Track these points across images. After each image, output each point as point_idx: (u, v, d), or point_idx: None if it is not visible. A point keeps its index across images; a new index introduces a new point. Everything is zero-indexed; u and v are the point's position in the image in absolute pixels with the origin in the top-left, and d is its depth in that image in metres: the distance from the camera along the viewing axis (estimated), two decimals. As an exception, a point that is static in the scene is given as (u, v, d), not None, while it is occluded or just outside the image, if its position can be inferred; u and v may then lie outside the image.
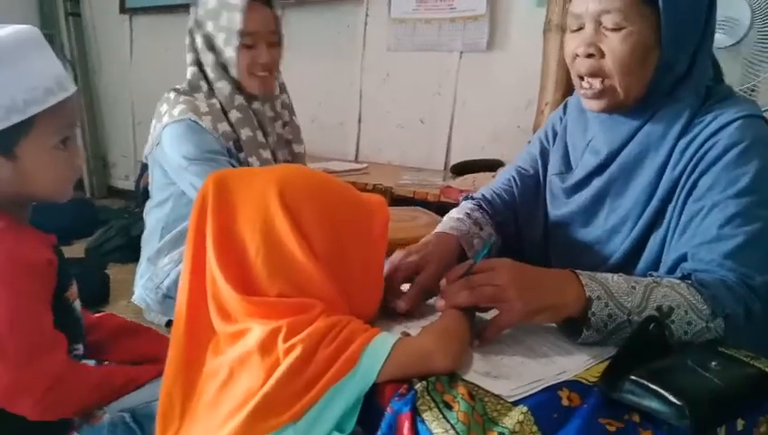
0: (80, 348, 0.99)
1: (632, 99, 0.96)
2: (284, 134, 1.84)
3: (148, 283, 1.79)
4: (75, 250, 2.79)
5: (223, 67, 1.64)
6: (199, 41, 1.64)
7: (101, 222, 3.06)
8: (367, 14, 2.88)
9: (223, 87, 1.64)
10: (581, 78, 0.97)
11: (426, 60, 2.72)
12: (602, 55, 0.93)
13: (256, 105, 1.71)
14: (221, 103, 1.65)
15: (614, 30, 0.91)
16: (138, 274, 1.87)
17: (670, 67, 0.94)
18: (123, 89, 3.99)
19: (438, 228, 1.10)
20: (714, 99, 0.95)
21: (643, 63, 0.93)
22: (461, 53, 2.62)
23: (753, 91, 1.66)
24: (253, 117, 1.68)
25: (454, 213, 1.16)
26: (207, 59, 1.64)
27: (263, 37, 1.62)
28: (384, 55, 2.84)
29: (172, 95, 1.66)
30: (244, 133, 1.65)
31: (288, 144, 1.86)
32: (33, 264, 0.89)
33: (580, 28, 0.95)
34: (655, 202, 0.95)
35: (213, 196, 0.79)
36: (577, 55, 0.96)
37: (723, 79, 1.02)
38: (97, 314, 1.14)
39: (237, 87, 1.66)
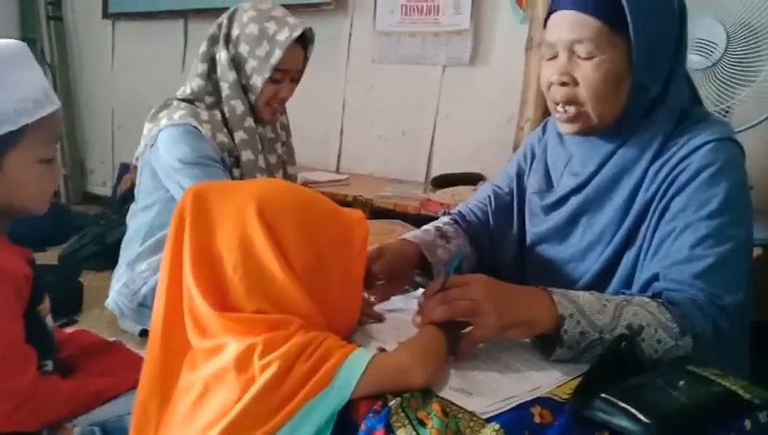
0: (49, 364, 0.98)
1: (606, 123, 0.98)
2: (282, 155, 1.87)
3: (124, 288, 1.77)
4: (49, 257, 2.74)
5: (243, 89, 1.66)
6: (224, 56, 1.65)
7: (77, 228, 3.00)
8: (352, 26, 2.89)
9: (236, 106, 1.66)
10: (556, 104, 0.99)
11: (409, 73, 2.73)
12: (576, 83, 0.95)
13: (260, 129, 1.75)
14: (224, 117, 1.67)
15: (587, 58, 0.93)
16: (114, 277, 1.85)
17: (644, 91, 0.96)
18: (104, 94, 3.96)
19: (403, 237, 1.12)
20: (688, 121, 0.97)
21: (616, 89, 0.95)
22: (444, 66, 2.64)
23: (727, 111, 1.69)
24: (258, 140, 1.71)
25: (426, 226, 1.17)
26: (228, 76, 1.65)
27: (290, 74, 1.68)
28: (368, 67, 2.85)
29: (174, 102, 1.68)
30: (245, 155, 1.67)
31: (283, 165, 1.88)
32: (9, 276, 0.89)
33: (555, 57, 0.97)
34: (628, 222, 0.97)
35: (191, 210, 0.79)
36: (552, 83, 0.98)
37: (700, 100, 1.04)
38: (68, 330, 1.14)
39: (250, 109, 1.68)
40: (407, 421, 0.67)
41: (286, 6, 1.77)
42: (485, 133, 2.53)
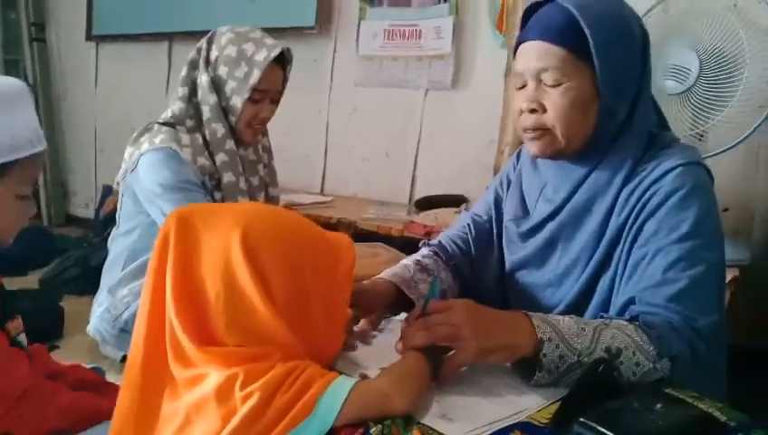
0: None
1: (574, 147, 1.00)
2: (264, 177, 1.87)
3: (105, 314, 1.76)
4: (30, 281, 2.71)
5: (223, 111, 1.67)
6: (204, 79, 1.67)
7: (59, 251, 2.98)
8: (335, 50, 2.93)
9: (217, 129, 1.67)
10: (526, 130, 1.02)
11: (392, 96, 2.77)
12: (545, 110, 0.98)
13: (241, 151, 1.75)
14: (205, 140, 1.68)
15: (553, 86, 0.96)
16: (95, 302, 1.83)
17: (611, 115, 0.98)
18: (87, 116, 3.95)
19: (379, 275, 1.11)
20: (657, 146, 1.00)
21: (584, 114, 0.97)
22: (426, 90, 2.68)
23: (702, 136, 1.73)
24: (239, 162, 1.72)
25: (405, 260, 1.17)
26: (209, 99, 1.67)
27: (270, 95, 1.70)
28: (351, 90, 2.88)
29: (155, 126, 1.69)
30: (227, 177, 1.68)
31: (266, 187, 1.89)
32: None
33: (524, 86, 1.00)
34: (603, 247, 0.99)
35: (175, 235, 0.78)
36: (522, 111, 1.00)
37: (667, 125, 1.07)
38: (66, 364, 1.15)
39: (230, 131, 1.69)
40: (387, 449, 0.67)
41: (271, 30, 1.79)
42: (468, 156, 2.56)
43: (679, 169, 0.95)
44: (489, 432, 0.73)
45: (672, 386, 0.85)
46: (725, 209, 2.02)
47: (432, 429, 0.72)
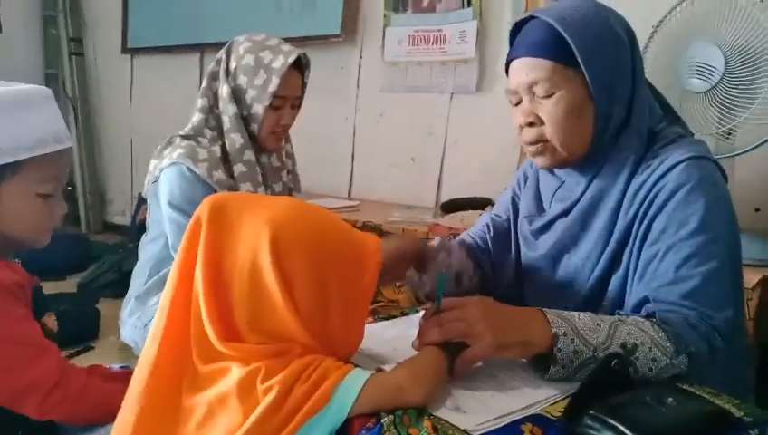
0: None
1: (578, 153, 1.02)
2: (287, 182, 1.91)
3: (137, 322, 1.81)
4: (68, 285, 2.80)
5: (244, 120, 1.70)
6: (225, 90, 1.70)
7: (95, 258, 3.08)
8: (361, 57, 2.96)
9: (236, 139, 1.69)
10: (528, 144, 1.04)
11: (418, 101, 2.79)
12: (542, 122, 1.00)
13: (263, 159, 1.78)
14: (224, 151, 1.70)
15: (546, 97, 0.98)
16: (126, 311, 1.88)
17: (608, 117, 1.00)
18: (123, 127, 4.07)
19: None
20: (660, 143, 1.00)
21: (580, 120, 0.99)
22: (452, 94, 2.69)
23: (729, 134, 1.70)
24: (258, 172, 1.73)
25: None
26: (229, 109, 1.69)
27: (289, 101, 1.72)
28: (377, 96, 2.91)
29: (177, 139, 1.72)
30: (244, 187, 1.70)
31: (289, 192, 1.92)
32: (3, 284, 0.94)
33: (519, 102, 1.03)
34: (612, 246, 0.99)
35: (207, 222, 0.79)
36: (521, 126, 1.03)
37: (677, 121, 1.07)
38: (116, 369, 1.17)
39: (249, 141, 1.71)
40: (398, 438, 0.69)
41: (297, 39, 1.83)
42: (493, 159, 2.57)
43: (684, 163, 0.95)
44: (501, 424, 0.74)
45: (689, 382, 0.84)
46: (757, 209, 1.98)
47: (444, 420, 0.74)
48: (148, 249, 1.85)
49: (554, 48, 0.96)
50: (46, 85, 1.05)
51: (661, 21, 1.77)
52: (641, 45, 1.79)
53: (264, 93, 1.66)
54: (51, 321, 1.05)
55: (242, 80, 1.69)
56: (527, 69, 0.99)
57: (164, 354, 0.80)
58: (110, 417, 0.98)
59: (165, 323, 0.80)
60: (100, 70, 4.14)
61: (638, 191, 0.98)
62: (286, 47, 1.70)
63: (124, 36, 3.86)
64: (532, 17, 1.01)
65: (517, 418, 0.75)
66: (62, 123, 1.01)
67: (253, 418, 0.72)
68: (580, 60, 0.95)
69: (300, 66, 1.74)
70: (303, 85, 1.78)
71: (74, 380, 0.96)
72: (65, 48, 4.05)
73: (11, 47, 3.75)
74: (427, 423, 0.71)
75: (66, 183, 1.04)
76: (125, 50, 3.88)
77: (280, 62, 1.65)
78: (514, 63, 1.02)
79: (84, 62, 4.13)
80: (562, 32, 0.95)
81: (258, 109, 1.67)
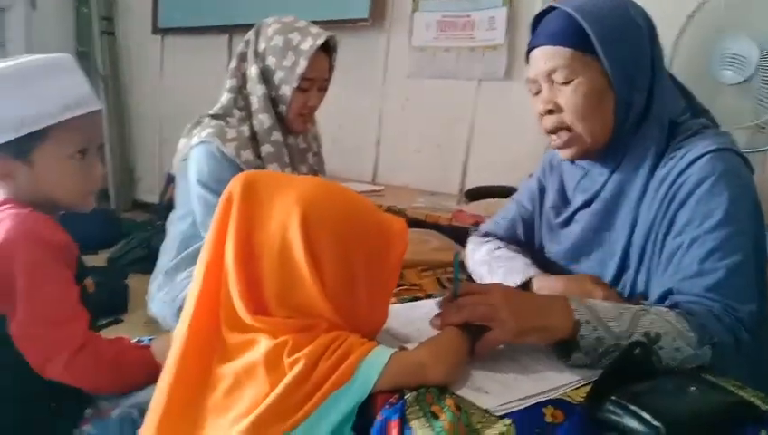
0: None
1: (600, 141, 1.02)
2: (313, 165, 1.93)
3: (166, 296, 1.85)
4: (98, 259, 2.87)
5: (272, 101, 1.72)
6: (253, 71, 1.71)
7: (124, 234, 3.15)
8: (388, 42, 2.96)
9: (264, 120, 1.71)
10: (549, 133, 1.04)
11: (444, 87, 2.78)
12: (561, 109, 1.01)
13: (291, 140, 1.80)
14: (252, 131, 1.72)
15: (565, 83, 0.99)
16: (154, 285, 1.92)
17: (628, 105, 1.00)
18: (152, 106, 4.12)
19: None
20: (683, 135, 1.00)
21: (599, 106, 0.99)
22: (479, 80, 2.68)
23: (764, 127, 1.68)
24: (285, 153, 1.75)
25: (493, 252, 1.21)
26: (257, 90, 1.70)
27: (317, 83, 1.72)
28: (404, 82, 2.91)
29: (206, 119, 1.74)
30: (271, 168, 1.71)
31: (315, 174, 1.94)
32: (52, 242, 0.98)
33: (539, 91, 1.03)
34: (636, 238, 1.00)
35: (239, 199, 0.81)
36: (541, 114, 1.04)
37: (702, 113, 1.06)
38: (145, 342, 1.19)
39: (277, 122, 1.73)
40: (421, 414, 0.70)
41: (325, 23, 1.83)
42: (520, 147, 2.55)
43: (708, 155, 0.94)
44: (523, 406, 0.75)
45: (713, 373, 0.84)
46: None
47: (465, 399, 0.75)
48: (176, 226, 1.88)
49: (572, 36, 0.97)
50: (78, 63, 1.07)
51: (695, 11, 1.75)
52: (673, 36, 1.78)
53: (292, 75, 1.67)
54: (90, 283, 1.08)
55: (270, 61, 1.70)
56: (546, 57, 1.00)
57: (196, 326, 0.82)
58: (132, 386, 1.02)
59: (197, 296, 0.83)
60: (131, 49, 4.20)
61: (661, 183, 0.97)
62: (315, 29, 1.71)
63: (155, 17, 3.90)
64: (552, 8, 1.02)
65: (539, 401, 0.76)
66: (87, 87, 1.03)
67: (279, 389, 0.74)
68: (597, 46, 0.96)
69: (328, 49, 1.74)
70: (331, 68, 1.78)
71: (100, 346, 0.99)
72: (96, 27, 4.11)
73: (44, 25, 3.82)
74: (449, 401, 0.72)
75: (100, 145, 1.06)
76: (156, 30, 3.92)
77: (308, 44, 1.66)
78: (534, 52, 1.03)
79: (115, 41, 4.19)
80: (580, 19, 0.96)
81: (286, 90, 1.69)
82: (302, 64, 1.66)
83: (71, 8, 4.12)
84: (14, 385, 0.97)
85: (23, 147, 0.97)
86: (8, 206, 1.00)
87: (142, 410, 0.98)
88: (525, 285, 1.08)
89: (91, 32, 4.12)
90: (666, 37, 1.82)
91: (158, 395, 0.82)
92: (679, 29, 1.77)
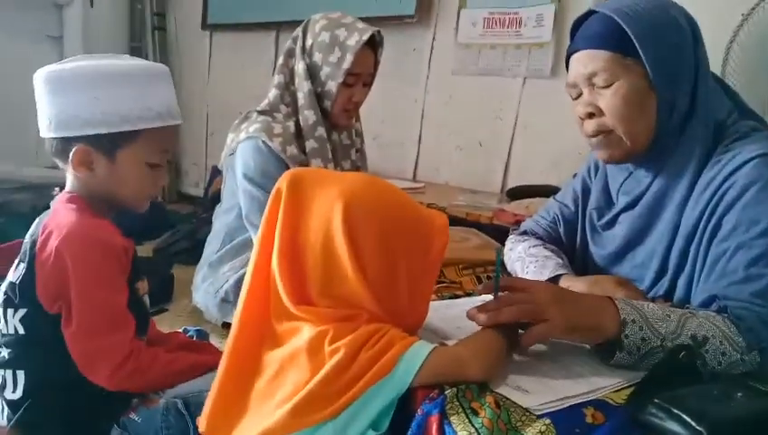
0: (143, 341, 1.09)
1: (642, 144, 1.00)
2: (356, 161, 1.95)
3: (210, 287, 1.90)
4: (145, 250, 2.96)
5: (317, 97, 1.75)
6: (300, 67, 1.75)
7: (170, 226, 3.22)
8: (434, 39, 2.95)
9: (309, 116, 1.75)
10: (590, 137, 1.03)
11: (488, 84, 2.76)
12: (602, 113, 0.99)
13: (334, 136, 1.82)
14: (298, 126, 1.76)
15: (605, 87, 0.98)
16: (199, 276, 1.98)
17: (672, 106, 0.98)
18: (200, 101, 4.21)
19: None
20: (732, 137, 0.97)
21: (641, 109, 0.98)
22: (525, 78, 2.65)
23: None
24: (328, 149, 1.78)
25: (529, 249, 1.20)
26: (304, 86, 1.74)
27: (362, 78, 1.75)
28: (448, 78, 2.90)
29: (254, 115, 1.79)
30: (314, 163, 1.76)
31: (357, 170, 1.96)
32: (109, 246, 1.02)
33: (579, 95, 1.02)
34: (679, 241, 0.99)
35: (286, 194, 0.84)
36: (582, 118, 1.02)
37: (747, 114, 1.03)
38: (167, 333, 1.27)
39: (322, 118, 1.76)
40: (460, 410, 0.71)
41: (372, 19, 1.84)
42: (563, 146, 2.52)
43: (755, 160, 0.92)
44: (563, 406, 0.75)
45: (759, 380, 0.82)
46: None
47: (506, 398, 0.75)
48: (222, 219, 1.93)
49: (612, 39, 0.96)
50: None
51: (753, 9, 1.69)
52: (728, 36, 1.73)
53: (338, 70, 1.69)
54: (143, 285, 1.12)
55: (317, 57, 1.72)
56: (586, 61, 0.99)
57: (246, 316, 0.86)
58: (178, 381, 1.06)
59: (248, 288, 0.86)
60: (180, 44, 4.30)
61: (706, 187, 0.95)
62: (361, 25, 1.73)
63: (204, 13, 3.98)
64: (592, 12, 1.01)
65: (580, 401, 0.76)
66: (175, 100, 1.09)
67: (319, 377, 0.76)
68: (638, 47, 0.94)
69: (374, 44, 1.75)
70: (376, 63, 1.80)
71: (145, 359, 1.03)
72: (149, 23, 4.22)
73: (100, 21, 3.94)
74: (489, 398, 0.73)
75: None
76: (204, 26, 4.01)
77: (354, 40, 1.68)
78: (574, 57, 1.02)
79: (166, 36, 4.30)
80: (620, 21, 0.95)
81: (332, 86, 1.71)
82: (348, 59, 1.67)
83: (125, 5, 4.25)
84: (65, 373, 1.00)
85: (113, 144, 1.02)
86: (72, 204, 1.04)
87: (186, 402, 1.02)
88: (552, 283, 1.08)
89: (144, 27, 4.24)
90: (720, 37, 1.77)
91: (215, 382, 0.86)
92: (735, 27, 1.72)
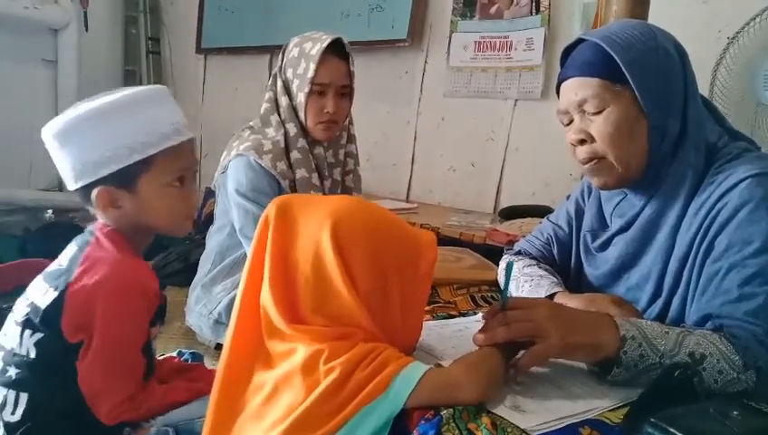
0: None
1: (634, 170, 1.01)
2: (347, 182, 1.96)
3: (203, 309, 1.89)
4: (138, 272, 2.93)
5: (294, 110, 1.78)
6: (279, 84, 1.80)
7: (163, 247, 3.20)
8: (426, 62, 2.99)
9: (290, 129, 1.78)
10: (583, 163, 1.04)
11: (480, 106, 2.79)
12: (593, 139, 1.00)
13: (318, 150, 1.83)
14: (287, 140, 1.78)
15: (596, 113, 0.99)
16: (192, 298, 1.96)
17: (663, 132, 0.99)
18: (193, 123, 4.22)
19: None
20: (724, 159, 0.98)
21: (632, 135, 0.99)
22: (515, 100, 2.68)
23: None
24: (311, 160, 1.80)
25: (523, 269, 1.20)
26: (283, 101, 1.79)
27: (333, 88, 1.74)
28: (440, 101, 2.93)
29: (246, 133, 1.81)
30: (299, 173, 1.77)
31: (348, 191, 1.96)
32: (146, 290, 1.02)
33: (571, 122, 1.03)
34: (673, 263, 0.99)
35: (275, 218, 0.85)
36: (573, 145, 1.03)
37: (737, 136, 1.05)
38: (186, 355, 1.28)
39: (303, 130, 1.79)
40: (457, 431, 0.71)
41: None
42: (555, 167, 2.54)
43: (748, 180, 0.93)
44: (560, 426, 0.74)
45: (756, 399, 0.82)
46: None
47: (502, 418, 0.75)
48: (214, 238, 1.93)
49: (602, 66, 0.97)
50: (124, 83, 1.12)
51: (738, 33, 1.73)
52: (714, 59, 1.76)
53: (304, 81, 1.72)
54: (155, 330, 1.10)
55: (290, 72, 1.77)
56: (576, 88, 1.00)
57: (239, 336, 0.86)
58: (171, 410, 1.04)
59: (239, 309, 0.86)
60: (174, 68, 4.32)
61: (699, 209, 0.96)
62: (326, 36, 1.73)
63: (198, 37, 4.02)
64: (581, 40, 1.03)
65: (576, 421, 0.75)
66: (180, 116, 1.08)
67: (313, 397, 0.76)
68: (627, 73, 0.96)
69: (346, 55, 1.76)
70: (350, 73, 1.79)
71: (143, 401, 1.02)
72: (144, 47, 4.25)
73: (95, 45, 3.96)
74: (486, 420, 0.72)
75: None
76: (199, 50, 4.04)
77: (316, 49, 1.70)
78: (564, 84, 1.04)
79: (161, 60, 4.32)
80: (608, 49, 0.96)
81: (301, 97, 1.74)
82: (312, 68, 1.69)
83: (120, 29, 4.28)
84: (67, 402, 0.99)
85: (130, 177, 1.02)
86: (110, 240, 1.03)
87: (178, 430, 1.00)
88: None
89: (139, 51, 4.26)
90: (706, 60, 1.80)
91: (209, 404, 0.85)
92: (721, 51, 1.75)
